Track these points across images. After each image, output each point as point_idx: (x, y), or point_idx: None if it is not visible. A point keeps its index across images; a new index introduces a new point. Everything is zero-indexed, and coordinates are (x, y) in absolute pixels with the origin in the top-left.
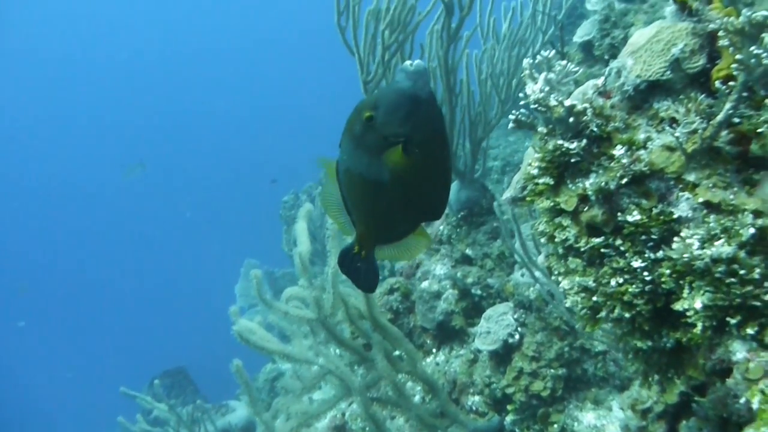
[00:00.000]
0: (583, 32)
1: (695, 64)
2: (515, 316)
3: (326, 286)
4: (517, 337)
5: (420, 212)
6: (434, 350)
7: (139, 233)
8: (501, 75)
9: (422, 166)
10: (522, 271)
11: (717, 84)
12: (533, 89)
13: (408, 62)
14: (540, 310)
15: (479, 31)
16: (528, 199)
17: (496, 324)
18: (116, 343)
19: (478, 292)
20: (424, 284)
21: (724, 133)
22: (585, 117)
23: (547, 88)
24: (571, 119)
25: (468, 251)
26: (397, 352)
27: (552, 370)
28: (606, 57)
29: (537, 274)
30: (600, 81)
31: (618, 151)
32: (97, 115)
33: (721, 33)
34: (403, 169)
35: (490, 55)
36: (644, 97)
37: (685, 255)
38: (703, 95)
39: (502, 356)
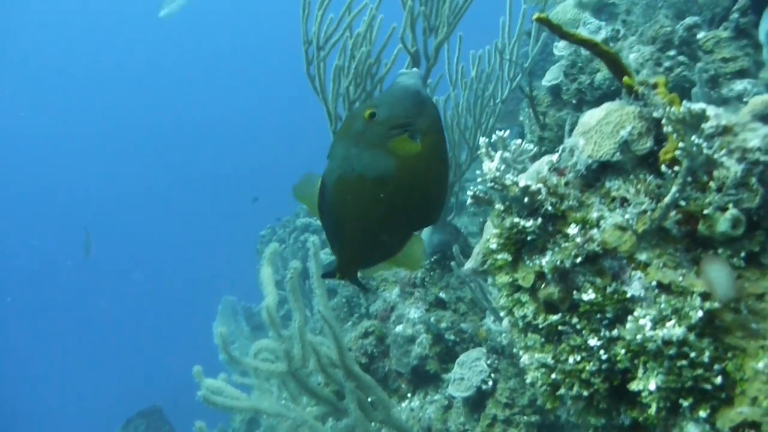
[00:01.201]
0: (551, 76)
1: (643, 146)
2: (488, 362)
3: (294, 337)
4: (490, 383)
5: (418, 213)
6: (409, 395)
7: (114, 266)
8: (469, 122)
9: (428, 154)
10: (492, 317)
11: (663, 168)
12: (489, 167)
13: (404, 69)
14: (513, 356)
15: (447, 78)
16: (489, 271)
17: (470, 370)
18: (88, 383)
19: (452, 337)
20: (399, 328)
21: (672, 213)
22: (539, 196)
23: (502, 167)
24: (526, 199)
25: (442, 294)
26: (370, 399)
27: (525, 417)
28: (573, 101)
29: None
30: (555, 157)
31: (572, 230)
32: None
33: (664, 121)
34: (411, 155)
35: (456, 103)
36: (596, 175)
37: (638, 336)
38: (651, 176)
39: (476, 402)
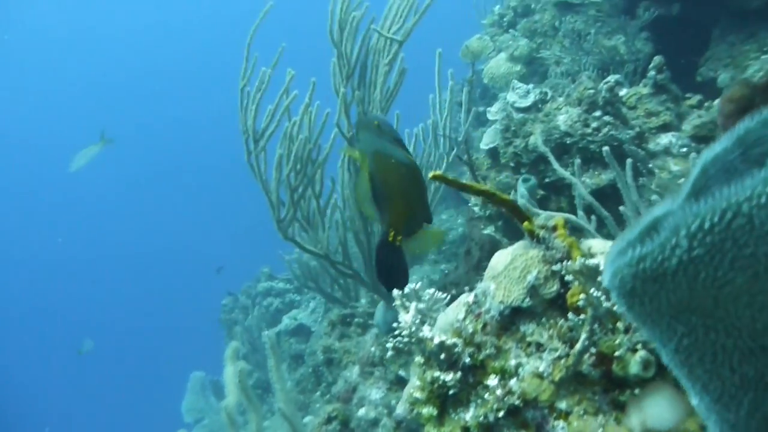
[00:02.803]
0: (488, 140)
1: (550, 290)
2: None
3: None
4: None
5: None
6: None
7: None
8: None
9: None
10: None
11: (570, 315)
12: (405, 321)
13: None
14: None
15: None
16: (417, 420)
17: None
18: None
19: None
20: (361, 411)
21: (585, 357)
22: (456, 350)
23: (418, 319)
24: (443, 354)
25: (401, 372)
26: None
27: None
28: (512, 164)
29: None
30: (471, 298)
31: (492, 381)
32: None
33: (563, 272)
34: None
35: None
36: (511, 320)
37: None
38: (562, 320)
39: None
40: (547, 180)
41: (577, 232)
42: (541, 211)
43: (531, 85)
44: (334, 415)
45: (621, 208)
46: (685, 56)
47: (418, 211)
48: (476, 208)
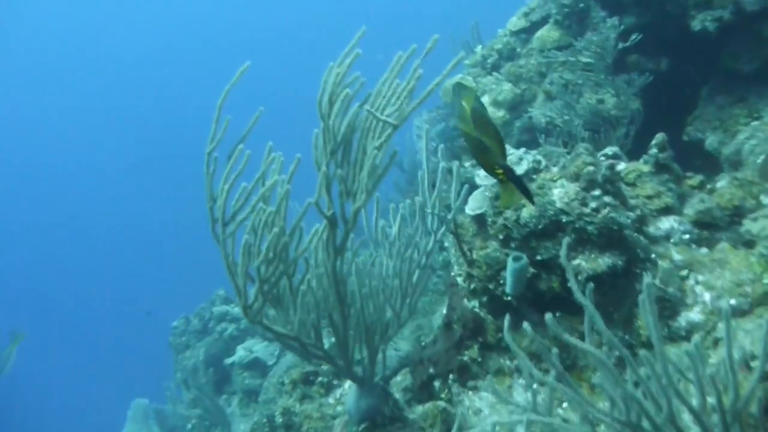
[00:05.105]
0: (475, 204)
1: None
2: None
3: None
4: None
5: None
6: None
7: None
8: (393, 283)
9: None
10: None
11: None
12: None
13: None
14: None
15: (370, 235)
16: None
17: None
18: None
19: None
20: None
21: None
22: None
23: None
24: None
25: None
26: None
27: None
28: (500, 237)
29: None
30: None
31: None
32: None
33: None
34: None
35: (380, 263)
36: None
37: None
38: None
39: None
40: (539, 258)
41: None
42: None
43: (523, 150)
44: None
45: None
46: (673, 113)
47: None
48: (459, 279)
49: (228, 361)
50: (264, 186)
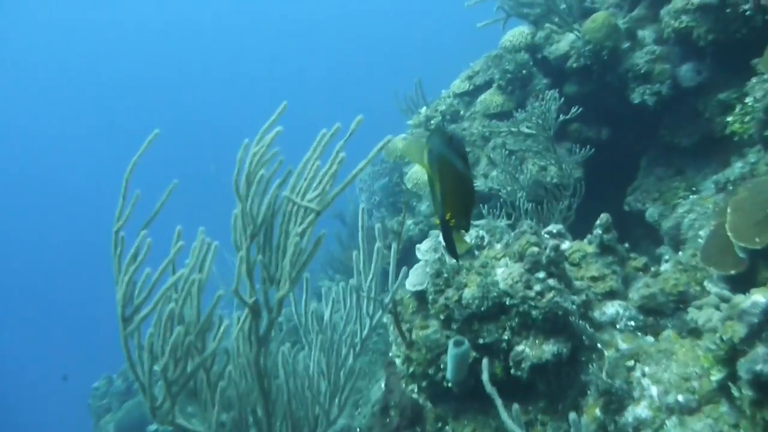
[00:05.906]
0: (415, 280)
1: None
2: None
3: None
4: None
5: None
6: None
7: None
8: (320, 383)
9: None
10: None
11: None
12: None
13: None
14: None
15: (298, 321)
16: None
17: None
18: None
19: None
20: None
21: None
22: None
23: None
24: None
25: None
26: None
27: None
28: (441, 317)
29: None
30: None
31: None
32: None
33: None
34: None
35: (305, 356)
36: None
37: None
38: None
39: None
40: (481, 341)
41: None
42: None
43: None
44: None
45: None
46: (614, 182)
47: (463, 216)
48: (398, 360)
49: (151, 428)
50: (174, 275)
